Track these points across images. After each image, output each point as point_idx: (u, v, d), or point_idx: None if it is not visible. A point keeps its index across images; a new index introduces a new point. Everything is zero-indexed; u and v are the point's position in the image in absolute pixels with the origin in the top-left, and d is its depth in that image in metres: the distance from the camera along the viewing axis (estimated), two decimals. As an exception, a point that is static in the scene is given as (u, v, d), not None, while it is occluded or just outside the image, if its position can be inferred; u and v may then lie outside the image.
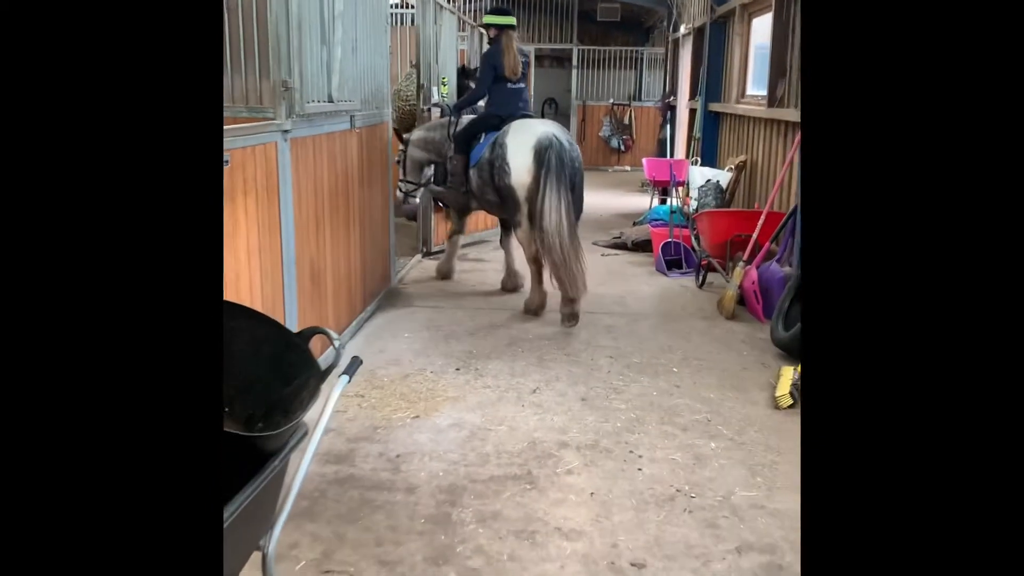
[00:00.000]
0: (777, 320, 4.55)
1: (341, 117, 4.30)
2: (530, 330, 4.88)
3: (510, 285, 5.84)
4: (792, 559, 2.51)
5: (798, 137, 5.34)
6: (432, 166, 5.88)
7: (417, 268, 6.58)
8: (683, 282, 6.23)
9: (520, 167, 4.81)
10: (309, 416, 2.07)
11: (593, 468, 3.10)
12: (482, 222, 7.61)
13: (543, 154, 4.72)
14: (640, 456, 3.21)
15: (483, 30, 5.72)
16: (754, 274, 5.19)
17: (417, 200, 6.17)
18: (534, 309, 5.19)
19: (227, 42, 4.46)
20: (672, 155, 11.41)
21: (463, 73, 9.58)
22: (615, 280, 6.29)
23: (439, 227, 7.17)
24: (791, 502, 2.84)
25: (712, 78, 8.99)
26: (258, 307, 3.22)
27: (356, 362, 2.45)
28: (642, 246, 7.34)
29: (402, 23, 8.34)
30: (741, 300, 5.27)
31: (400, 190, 5.91)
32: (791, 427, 3.48)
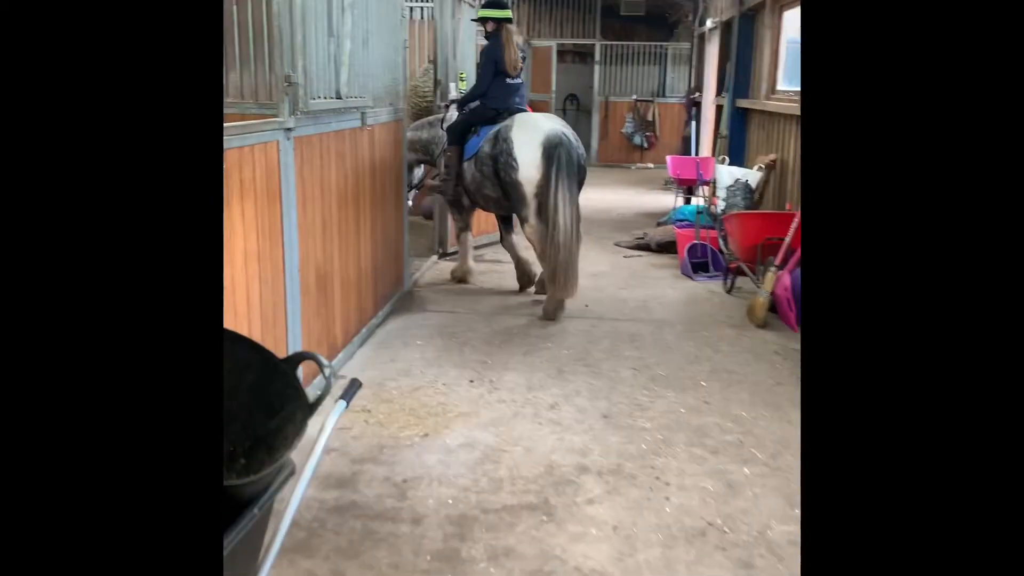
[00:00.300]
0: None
1: (351, 114, 4.07)
2: (548, 337, 4.64)
3: (526, 281, 5.64)
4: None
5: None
6: (421, 166, 5.84)
7: (432, 270, 6.35)
8: (710, 286, 5.95)
9: (529, 162, 4.77)
10: (306, 439, 1.83)
11: (616, 497, 2.85)
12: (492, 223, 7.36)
13: (553, 151, 4.71)
14: (667, 483, 2.96)
15: (479, 24, 5.52)
16: (787, 280, 4.91)
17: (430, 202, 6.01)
18: (555, 308, 4.98)
19: (226, 33, 4.25)
20: (697, 153, 11.11)
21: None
22: (638, 283, 6.02)
23: (455, 228, 6.93)
24: (835, 540, 2.57)
25: (740, 73, 8.67)
26: (256, 317, 3.01)
27: (355, 385, 2.23)
28: (666, 247, 7.07)
29: (422, 17, 8.09)
30: (773, 307, 4.99)
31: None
32: (831, 451, 3.21)
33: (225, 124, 2.68)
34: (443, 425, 3.40)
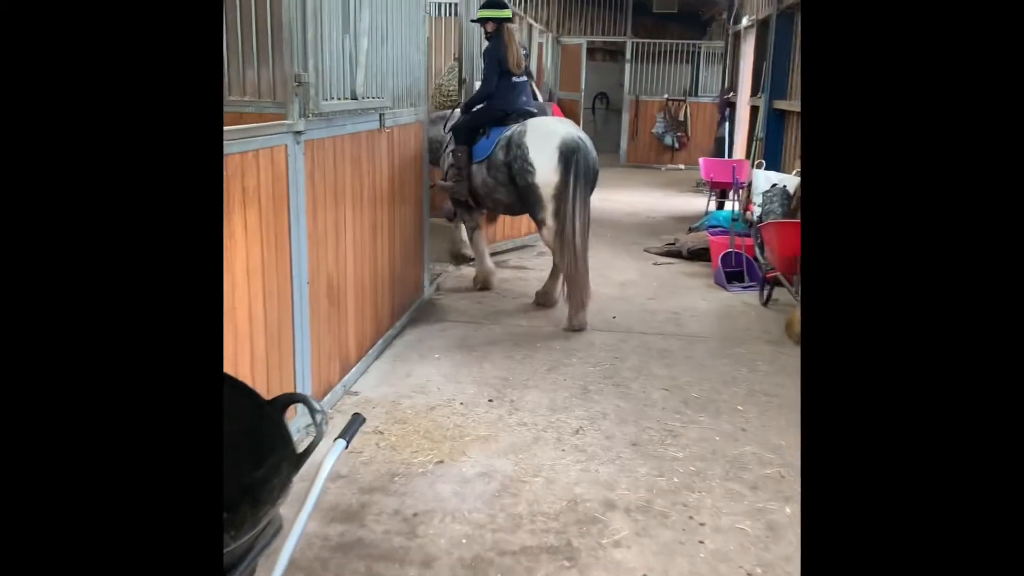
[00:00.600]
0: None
1: (368, 116, 3.86)
2: (574, 352, 4.39)
3: (479, 282, 5.63)
4: None
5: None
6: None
7: (454, 276, 6.13)
8: (745, 298, 5.67)
9: (546, 167, 4.71)
10: (304, 476, 1.61)
11: (645, 539, 2.60)
12: (525, 226, 7.13)
13: (570, 157, 4.68)
14: (702, 524, 2.71)
15: (480, 25, 5.41)
16: (828, 295, 4.61)
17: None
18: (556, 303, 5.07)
19: (236, 29, 4.06)
20: (730, 155, 10.78)
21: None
22: (668, 293, 5.75)
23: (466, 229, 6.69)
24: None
25: (778, 73, 8.35)
26: (259, 335, 2.80)
27: (356, 422, 2.00)
28: (698, 255, 6.78)
29: (449, 14, 7.87)
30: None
31: None
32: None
33: (225, 128, 2.46)
34: (459, 450, 3.17)
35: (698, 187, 11.40)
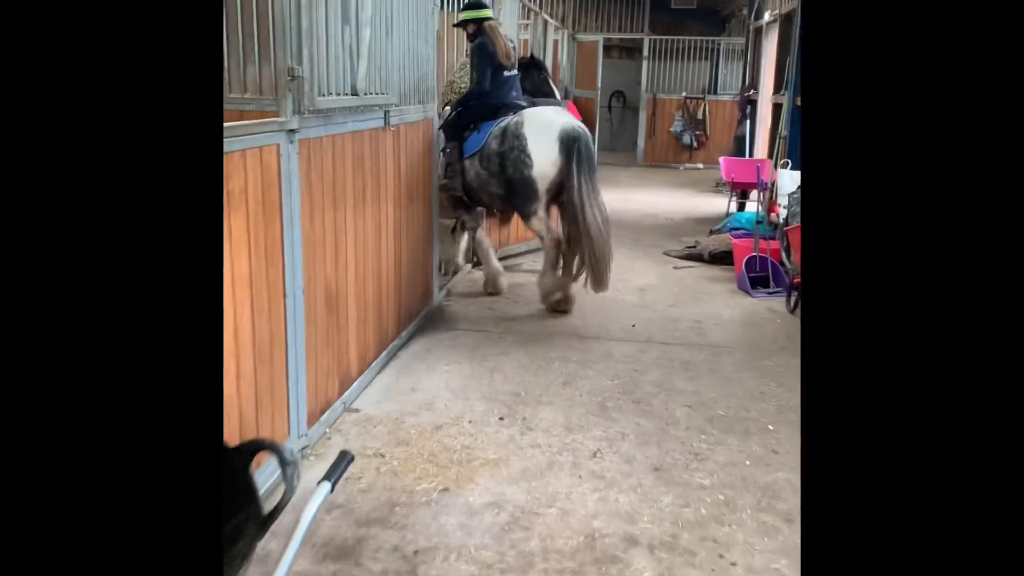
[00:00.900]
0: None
1: (371, 112, 3.61)
2: (591, 364, 4.13)
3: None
4: None
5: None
6: None
7: (466, 280, 5.88)
8: (771, 304, 5.38)
9: (544, 159, 4.65)
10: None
11: (671, 583, 2.34)
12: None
13: (572, 146, 4.61)
14: (733, 564, 2.44)
15: (462, 28, 5.33)
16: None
17: None
18: (551, 296, 4.98)
19: (237, 22, 3.83)
20: (751, 154, 10.47)
21: (532, 64, 8.85)
22: (690, 299, 5.47)
23: (490, 234, 6.44)
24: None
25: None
26: (247, 353, 2.56)
27: (344, 460, 1.75)
28: (720, 258, 6.50)
29: (458, 7, 7.61)
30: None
31: None
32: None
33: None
34: (467, 477, 2.92)
35: (718, 187, 11.10)
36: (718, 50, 14.45)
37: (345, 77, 3.22)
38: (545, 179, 4.67)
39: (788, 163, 6.73)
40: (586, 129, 4.80)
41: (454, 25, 5.68)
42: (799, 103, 8.02)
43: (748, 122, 10.85)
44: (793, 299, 5.20)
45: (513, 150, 4.69)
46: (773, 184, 6.83)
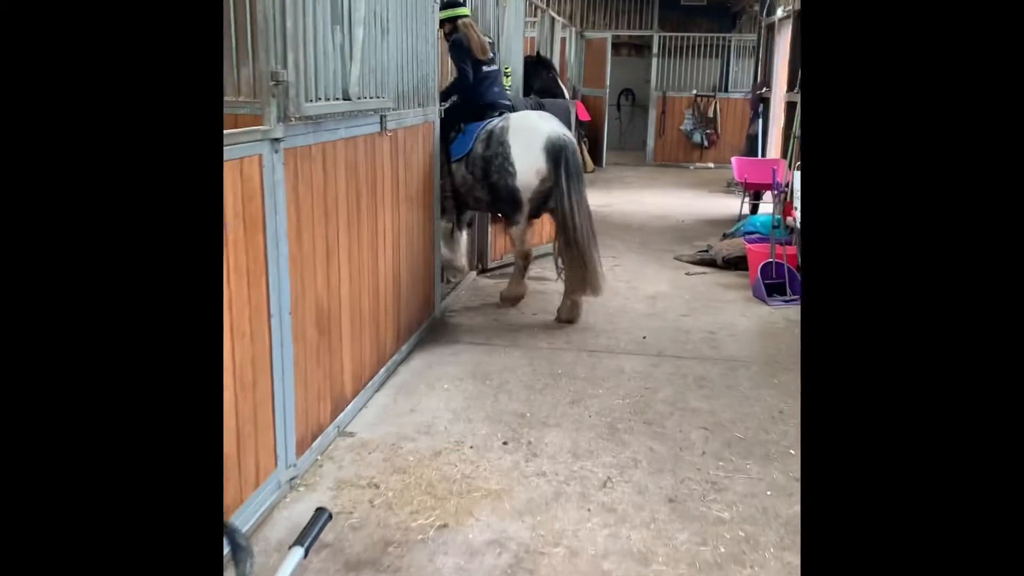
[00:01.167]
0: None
1: (366, 118, 3.41)
2: (600, 381, 3.92)
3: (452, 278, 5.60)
4: None
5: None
6: None
7: (470, 289, 5.67)
8: (788, 313, 5.15)
9: (528, 169, 4.60)
10: None
11: (689, 638, 2.13)
12: (548, 234, 6.65)
13: (559, 155, 4.55)
14: (757, 614, 2.23)
15: (439, 29, 5.13)
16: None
17: None
18: (514, 299, 5.10)
19: (231, 22, 3.64)
20: (764, 153, 10.22)
21: (539, 63, 8.64)
22: (703, 308, 5.25)
23: (496, 240, 6.25)
24: None
25: (818, 66, 7.78)
26: (228, 381, 2.36)
27: (320, 520, 1.55)
28: (734, 264, 6.28)
29: (464, 6, 7.43)
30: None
31: None
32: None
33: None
34: (466, 510, 2.71)
35: (729, 187, 10.87)
36: (729, 47, 14.20)
37: (336, 81, 3.02)
38: (528, 189, 4.62)
39: (804, 164, 6.49)
40: (572, 136, 4.75)
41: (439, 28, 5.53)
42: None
43: (760, 121, 10.60)
44: (812, 308, 4.97)
45: (497, 157, 4.64)
46: (788, 186, 6.60)
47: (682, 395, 3.76)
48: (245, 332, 2.46)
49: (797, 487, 2.92)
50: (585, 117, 12.68)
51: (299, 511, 2.70)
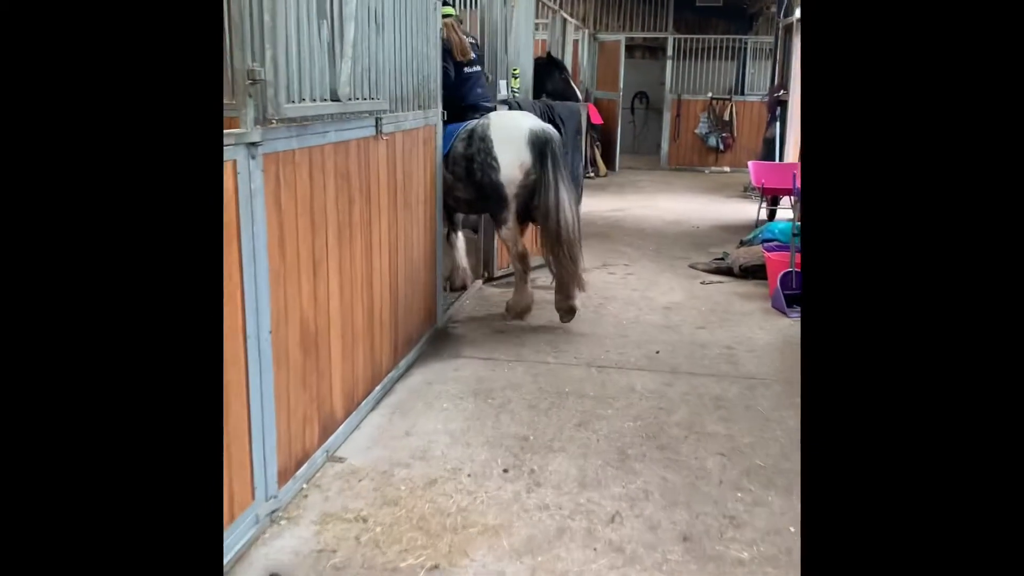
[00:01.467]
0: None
1: (359, 120, 3.19)
2: (609, 401, 3.68)
3: (458, 283, 5.41)
4: None
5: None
6: None
7: (476, 298, 5.44)
8: (809, 327, 4.88)
9: (511, 163, 4.52)
10: None
11: None
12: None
13: (543, 148, 4.49)
14: (782, 678, 1.98)
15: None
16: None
17: None
18: (520, 311, 4.85)
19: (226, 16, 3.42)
20: (782, 157, 9.94)
21: (550, 63, 8.42)
22: (720, 321, 4.99)
23: (502, 248, 6.01)
24: None
25: (838, 67, 7.51)
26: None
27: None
28: (752, 272, 6.02)
29: (469, 5, 7.20)
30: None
31: None
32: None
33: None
34: (461, 549, 2.48)
35: (746, 192, 10.60)
36: (745, 49, 13.93)
37: (323, 80, 2.80)
38: (513, 183, 4.53)
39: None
40: (555, 131, 4.68)
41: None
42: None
43: (778, 124, 10.33)
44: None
45: (480, 153, 4.54)
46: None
47: (698, 417, 3.52)
48: (216, 355, 2.24)
49: (824, 523, 2.67)
50: (598, 120, 12.45)
51: (279, 547, 2.48)
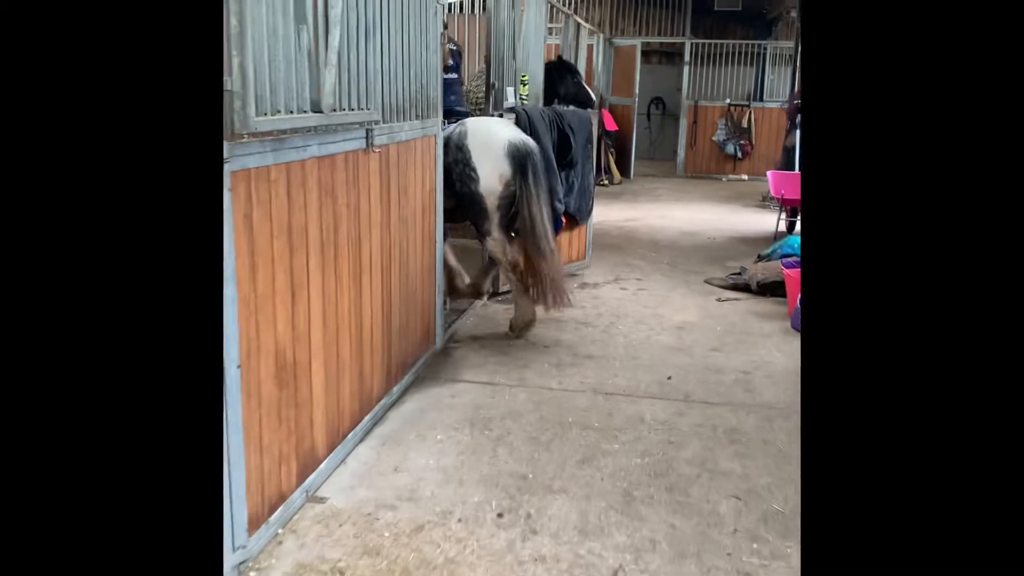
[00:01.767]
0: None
1: (347, 132, 2.97)
2: (616, 433, 3.43)
3: (460, 286, 5.13)
4: None
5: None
6: None
7: (479, 315, 5.21)
8: (831, 350, 4.61)
9: (490, 174, 4.39)
10: None
11: None
12: (565, 252, 6.18)
13: (523, 161, 4.38)
14: None
15: None
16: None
17: None
18: (523, 327, 4.68)
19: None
20: (802, 167, 9.63)
21: (561, 67, 8.17)
22: (736, 342, 4.73)
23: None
24: None
25: (862, 74, 7.22)
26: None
27: None
28: (771, 288, 5.74)
29: (476, 8, 6.96)
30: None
31: None
32: None
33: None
34: (444, 610, 2.24)
35: (764, 201, 10.32)
36: (764, 54, 13.64)
37: (303, 90, 2.58)
38: (492, 194, 4.40)
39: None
40: (534, 142, 4.58)
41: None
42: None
43: (798, 132, 10.02)
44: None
45: (458, 163, 4.39)
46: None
47: (711, 453, 3.26)
48: (172, 396, 2.02)
49: (849, 582, 2.40)
50: (612, 127, 12.20)
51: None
